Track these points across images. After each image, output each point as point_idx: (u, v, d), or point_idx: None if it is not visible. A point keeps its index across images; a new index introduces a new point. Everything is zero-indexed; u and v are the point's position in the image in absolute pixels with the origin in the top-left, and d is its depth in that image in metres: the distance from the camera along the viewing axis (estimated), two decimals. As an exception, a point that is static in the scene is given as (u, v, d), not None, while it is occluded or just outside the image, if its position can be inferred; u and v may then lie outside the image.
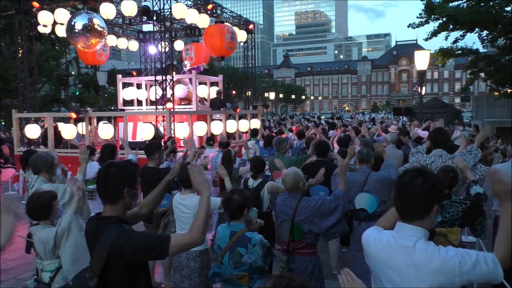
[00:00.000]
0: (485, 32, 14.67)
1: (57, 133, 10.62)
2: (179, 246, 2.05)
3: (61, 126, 10.66)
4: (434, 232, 3.11)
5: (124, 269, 2.05)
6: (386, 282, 1.96)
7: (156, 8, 9.80)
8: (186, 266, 3.72)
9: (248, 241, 3.05)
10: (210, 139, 8.33)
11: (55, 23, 10.97)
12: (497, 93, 16.12)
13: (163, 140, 8.66)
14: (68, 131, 10.27)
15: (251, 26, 13.95)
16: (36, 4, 10.70)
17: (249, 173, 5.07)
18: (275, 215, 4.77)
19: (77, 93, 28.24)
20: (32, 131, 10.49)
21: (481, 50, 16.07)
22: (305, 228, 3.59)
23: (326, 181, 4.49)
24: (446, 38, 15.14)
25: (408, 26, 15.89)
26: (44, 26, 10.97)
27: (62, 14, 10.52)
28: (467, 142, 11.57)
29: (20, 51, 12.40)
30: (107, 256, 2.00)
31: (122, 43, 14.00)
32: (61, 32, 11.24)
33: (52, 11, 10.68)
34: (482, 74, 16.35)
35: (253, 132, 10.10)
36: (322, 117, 34.23)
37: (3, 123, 24.26)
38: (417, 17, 15.25)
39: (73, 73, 29.60)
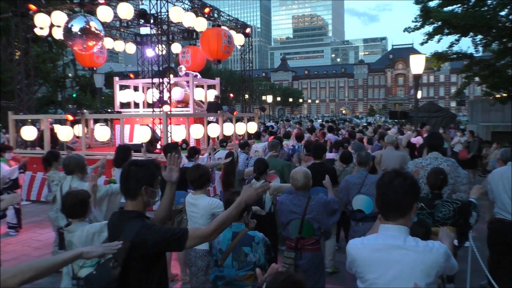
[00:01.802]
0: (479, 37, 14.74)
1: (53, 135, 10.63)
2: (195, 239, 2.22)
3: (58, 128, 10.67)
4: (430, 232, 3.20)
5: (144, 259, 2.22)
6: (377, 283, 1.98)
7: (153, 11, 9.85)
8: (194, 264, 3.82)
9: (252, 240, 3.09)
10: (223, 141, 8.45)
11: (52, 25, 10.99)
12: (492, 98, 16.19)
13: (159, 142, 8.70)
14: (64, 133, 10.28)
15: (248, 30, 14.02)
16: (33, 6, 10.73)
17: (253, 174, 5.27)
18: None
19: (74, 95, 28.16)
20: (29, 133, 10.49)
21: (476, 54, 16.15)
22: (315, 225, 3.76)
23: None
24: (438, 41, 15.21)
25: (404, 31, 15.95)
26: (41, 28, 10.98)
27: (59, 17, 10.55)
28: (463, 150, 11.65)
29: (17, 53, 12.41)
30: (129, 248, 2.14)
31: (119, 45, 14.03)
32: (58, 34, 11.27)
33: (49, 14, 10.71)
34: (477, 78, 16.42)
35: (256, 135, 10.20)
36: (319, 120, 34.25)
37: (-1, 125, 24.18)
38: (413, 21, 15.33)
39: (70, 75, 29.57)
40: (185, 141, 7.75)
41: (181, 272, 5.28)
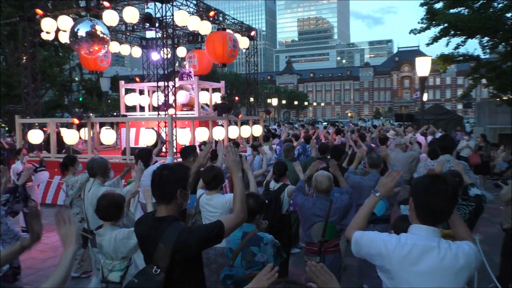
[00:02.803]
0: (485, 39, 14.67)
1: (59, 138, 10.69)
2: (231, 227, 2.31)
3: (64, 131, 10.73)
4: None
5: (187, 262, 2.26)
6: (410, 283, 1.96)
7: (158, 15, 9.89)
8: (214, 261, 3.84)
9: (261, 240, 3.11)
10: (235, 143, 8.72)
11: (58, 29, 11.07)
12: (499, 100, 16.08)
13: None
14: (70, 136, 10.33)
15: (253, 33, 14.04)
16: (39, 11, 10.82)
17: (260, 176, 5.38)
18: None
19: (80, 99, 28.32)
20: (35, 136, 10.56)
21: (483, 56, 16.07)
22: (338, 227, 3.91)
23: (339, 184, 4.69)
24: (447, 45, 15.14)
25: (409, 32, 15.92)
26: (48, 33, 11.08)
27: (65, 21, 10.63)
28: (474, 154, 11.12)
29: (24, 58, 12.52)
30: (172, 253, 2.16)
31: (125, 49, 14.11)
32: (64, 38, 11.35)
33: (56, 18, 10.79)
34: (484, 80, 16.33)
35: (266, 137, 10.25)
36: (324, 123, 34.12)
37: (6, 128, 24.38)
38: (418, 23, 15.30)
39: (76, 79, 29.74)
40: (204, 143, 7.84)
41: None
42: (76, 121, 10.19)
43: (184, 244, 2.17)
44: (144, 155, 5.42)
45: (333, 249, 3.90)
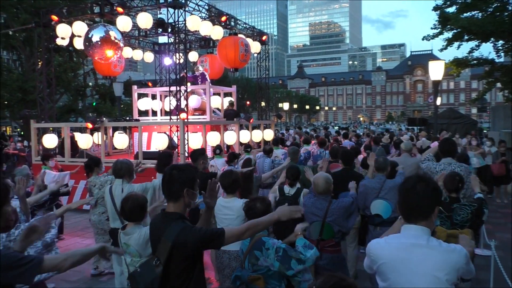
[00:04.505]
0: (500, 42, 14.49)
1: (73, 142, 10.82)
2: (231, 238, 2.40)
3: (78, 136, 10.86)
4: (434, 233, 3.23)
5: (184, 259, 2.35)
6: (400, 282, 2.02)
7: (171, 20, 9.98)
8: (227, 266, 3.92)
9: (263, 245, 3.13)
10: (248, 147, 8.70)
11: (73, 35, 11.23)
12: (514, 103, 15.88)
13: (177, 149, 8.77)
14: (84, 140, 10.45)
15: (264, 37, 14.07)
16: (54, 17, 11.00)
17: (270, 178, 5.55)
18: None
19: (94, 104, 28.67)
20: (50, 140, 10.71)
21: (498, 60, 15.86)
22: (335, 228, 4.00)
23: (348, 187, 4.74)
24: (458, 47, 15.02)
25: (423, 39, 15.84)
26: (62, 38, 11.24)
27: (80, 27, 10.78)
28: (498, 164, 10.53)
29: (39, 63, 12.73)
30: (171, 248, 2.29)
31: (138, 54, 14.26)
32: (78, 44, 11.52)
33: (70, 24, 10.95)
34: (499, 84, 16.11)
35: (275, 141, 10.32)
36: (336, 127, 33.97)
37: (22, 133, 24.78)
38: (431, 28, 15.19)
39: (90, 84, 30.12)
40: (218, 147, 8.04)
41: (216, 275, 5.33)
42: (89, 125, 10.31)
43: (183, 242, 2.29)
44: (164, 157, 5.60)
45: (330, 249, 3.99)
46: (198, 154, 5.65)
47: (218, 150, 7.89)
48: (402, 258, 2.01)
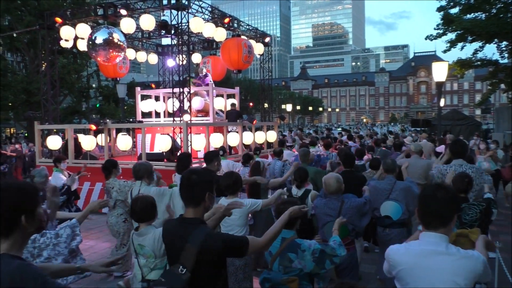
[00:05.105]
0: (504, 43, 14.44)
1: (77, 144, 10.86)
2: (253, 248, 2.42)
3: (81, 137, 10.89)
4: None
5: (211, 265, 2.32)
6: (419, 278, 2.07)
7: (174, 22, 10.00)
8: (231, 264, 3.95)
9: (298, 247, 3.12)
10: (258, 149, 8.78)
11: (76, 37, 11.29)
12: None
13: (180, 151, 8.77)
14: (87, 142, 10.48)
15: (267, 39, 14.09)
16: (58, 19, 11.06)
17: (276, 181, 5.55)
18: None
19: (97, 106, 28.78)
20: (54, 142, 10.75)
21: (502, 61, 15.79)
22: (350, 227, 4.05)
23: (353, 189, 4.69)
24: (462, 49, 14.99)
25: (425, 39, 15.83)
26: (66, 40, 11.30)
27: (83, 29, 10.83)
28: (507, 168, 10.28)
29: (43, 65, 12.78)
30: (197, 254, 2.24)
31: (142, 56, 14.30)
32: (82, 46, 11.56)
33: (74, 26, 11.01)
34: (503, 85, 16.05)
35: (281, 142, 10.36)
36: (339, 129, 33.90)
37: (26, 134, 24.88)
38: (435, 29, 15.16)
39: (93, 85, 30.24)
40: (222, 148, 8.04)
41: None
42: (93, 127, 10.34)
43: (209, 248, 2.26)
44: (184, 159, 5.63)
45: (347, 247, 3.94)
46: (213, 155, 5.65)
47: (221, 151, 7.89)
48: (422, 265, 2.06)
